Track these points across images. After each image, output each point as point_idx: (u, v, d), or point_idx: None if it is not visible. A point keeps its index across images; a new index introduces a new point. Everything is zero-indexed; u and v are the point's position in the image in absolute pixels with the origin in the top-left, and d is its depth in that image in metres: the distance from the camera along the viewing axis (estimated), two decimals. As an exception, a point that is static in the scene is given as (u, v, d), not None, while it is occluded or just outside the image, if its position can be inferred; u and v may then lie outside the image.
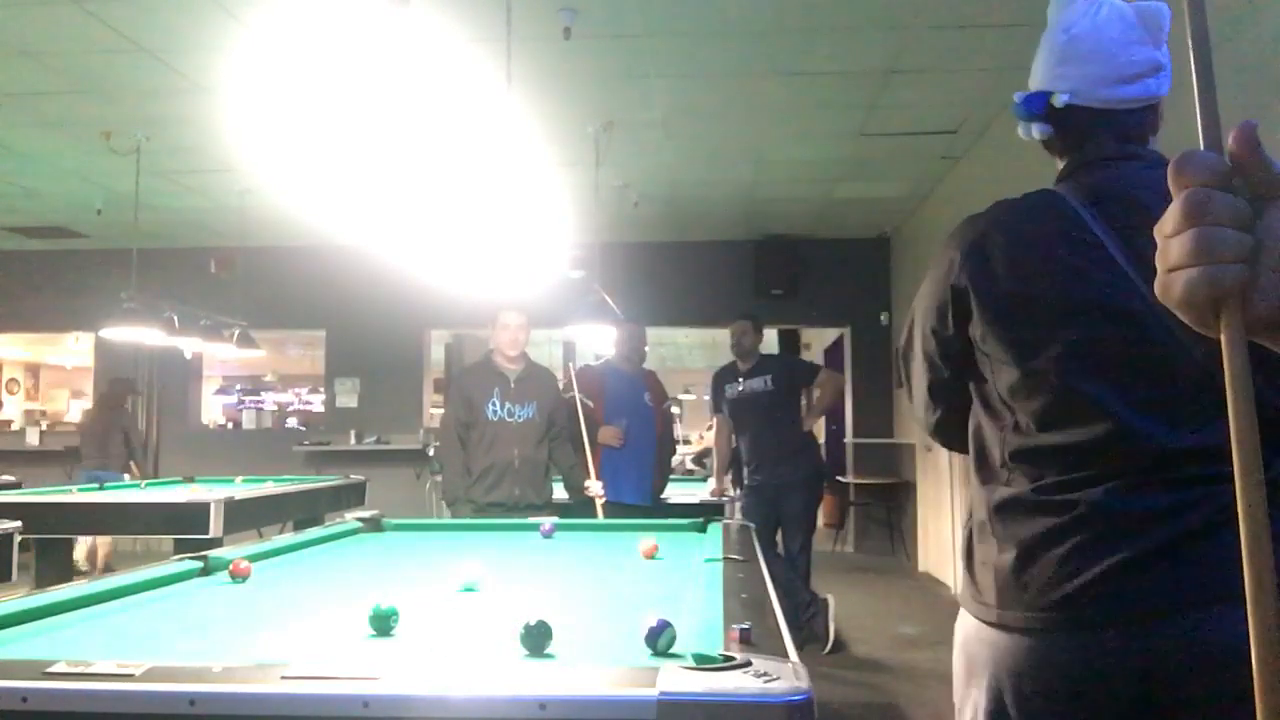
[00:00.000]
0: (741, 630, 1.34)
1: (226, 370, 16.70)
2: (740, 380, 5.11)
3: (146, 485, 5.69)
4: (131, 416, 8.01)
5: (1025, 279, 1.32)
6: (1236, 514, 1.10)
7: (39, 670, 1.14)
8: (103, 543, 7.31)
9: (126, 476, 7.11)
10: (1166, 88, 1.40)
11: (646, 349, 4.92)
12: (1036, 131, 1.46)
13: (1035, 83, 1.46)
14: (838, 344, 9.85)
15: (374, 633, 1.57)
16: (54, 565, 4.40)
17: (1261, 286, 0.61)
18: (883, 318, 8.87)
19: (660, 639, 1.35)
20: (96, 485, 5.41)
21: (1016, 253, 1.34)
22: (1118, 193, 1.32)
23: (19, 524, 3.44)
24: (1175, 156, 0.64)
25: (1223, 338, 0.63)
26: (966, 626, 1.36)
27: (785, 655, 1.27)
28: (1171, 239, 0.64)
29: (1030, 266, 1.32)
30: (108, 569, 6.48)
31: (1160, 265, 0.65)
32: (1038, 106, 1.43)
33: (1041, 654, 1.24)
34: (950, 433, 1.50)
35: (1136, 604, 1.18)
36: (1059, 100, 1.40)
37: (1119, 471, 1.22)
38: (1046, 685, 1.23)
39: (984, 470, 1.37)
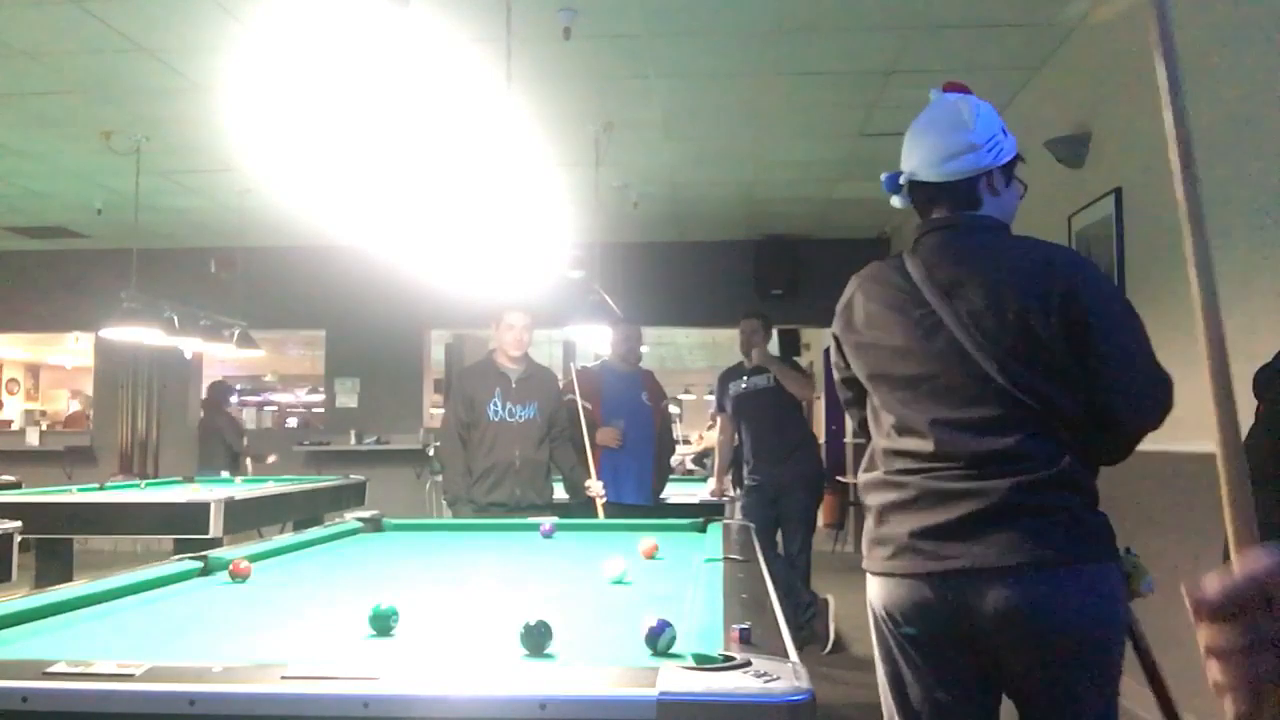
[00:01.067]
0: (741, 630, 1.34)
1: (226, 370, 16.69)
2: (745, 378, 5.12)
3: (146, 485, 5.69)
4: (229, 418, 8.25)
5: (874, 330, 1.77)
6: (1019, 499, 1.57)
7: (39, 670, 1.14)
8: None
9: (224, 474, 7.12)
10: (989, 160, 1.78)
11: (645, 348, 4.92)
12: (898, 202, 1.88)
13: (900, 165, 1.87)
14: (838, 344, 9.84)
15: (374, 633, 1.57)
16: (54, 565, 4.40)
17: None
18: (883, 318, 8.86)
19: (660, 639, 1.35)
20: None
21: (870, 311, 1.79)
22: (944, 258, 1.73)
23: (19, 524, 3.44)
24: (1190, 599, 0.63)
25: None
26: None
27: (785, 655, 1.27)
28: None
29: (878, 323, 1.77)
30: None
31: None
32: (892, 184, 1.86)
33: (890, 592, 1.68)
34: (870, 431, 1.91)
35: (945, 563, 1.59)
36: (902, 179, 1.83)
37: (943, 466, 1.64)
38: (893, 614, 1.68)
39: (870, 460, 1.81)
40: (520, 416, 4.01)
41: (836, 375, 1.94)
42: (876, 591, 1.72)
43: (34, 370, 16.90)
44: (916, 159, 1.81)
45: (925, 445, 1.66)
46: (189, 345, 7.04)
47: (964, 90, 1.87)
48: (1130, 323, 1.65)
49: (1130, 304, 1.70)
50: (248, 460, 8.02)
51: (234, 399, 8.97)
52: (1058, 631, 1.55)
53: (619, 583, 2.13)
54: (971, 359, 1.63)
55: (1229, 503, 0.63)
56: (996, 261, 1.69)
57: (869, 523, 1.75)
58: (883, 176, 1.88)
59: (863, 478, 1.79)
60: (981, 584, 1.56)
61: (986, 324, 1.63)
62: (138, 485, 5.64)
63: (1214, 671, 0.62)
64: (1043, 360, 1.61)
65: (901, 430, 1.71)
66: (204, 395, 8.70)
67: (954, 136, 1.77)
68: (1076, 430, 1.63)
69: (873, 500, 1.74)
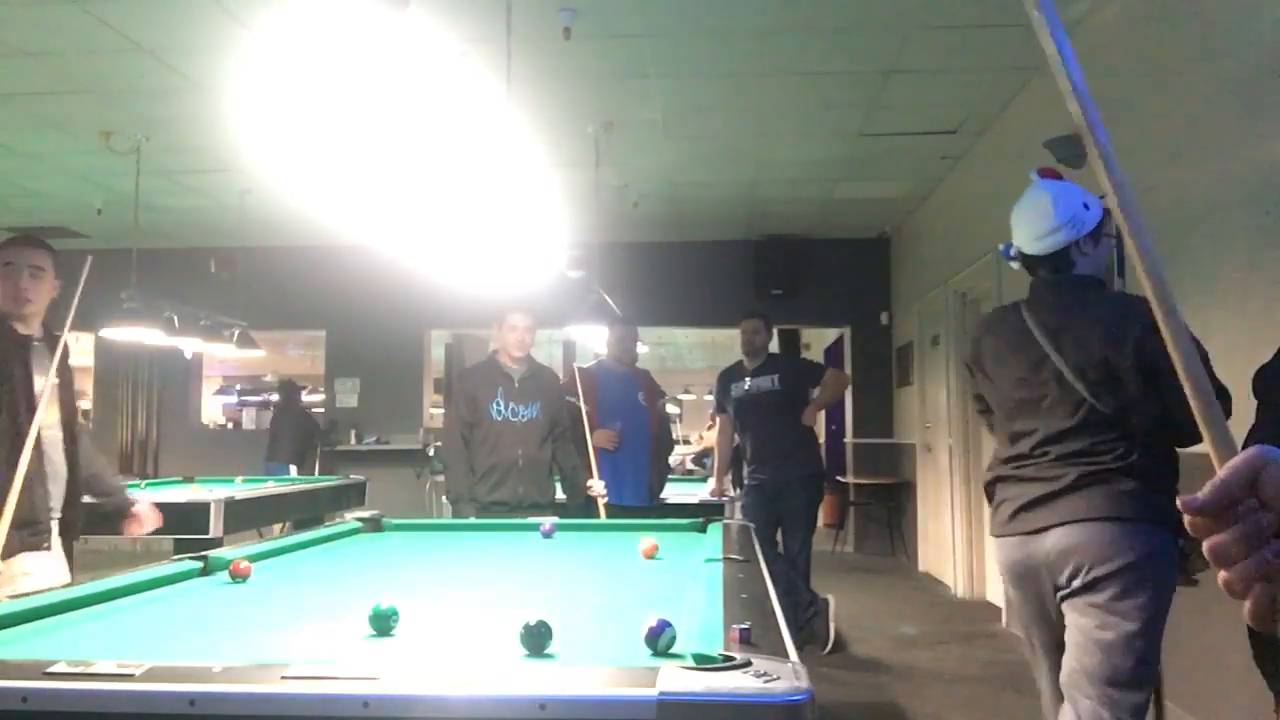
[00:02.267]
0: (741, 630, 1.34)
1: (226, 370, 16.70)
2: (747, 379, 5.09)
3: (146, 485, 5.68)
4: (304, 414, 8.92)
5: (999, 364, 2.45)
6: (1082, 482, 2.26)
7: (39, 670, 1.14)
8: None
9: (293, 469, 7.13)
10: (1073, 235, 2.36)
11: (645, 348, 4.92)
12: (1013, 265, 2.52)
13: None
14: (838, 344, 9.85)
15: (374, 633, 1.57)
16: (54, 565, 4.39)
17: None
18: (882, 318, 8.87)
19: (660, 639, 1.35)
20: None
21: (995, 349, 2.47)
22: (1049, 309, 2.38)
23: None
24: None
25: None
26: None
27: (785, 655, 1.27)
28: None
29: (1003, 357, 2.44)
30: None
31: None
32: (1007, 253, 2.52)
33: (1009, 552, 2.35)
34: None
35: (1031, 524, 2.26)
36: (1013, 251, 2.49)
37: (1039, 460, 2.31)
38: (1012, 568, 2.35)
39: (994, 461, 2.48)
40: (523, 416, 4.02)
41: (971, 391, 2.67)
42: (1000, 551, 2.37)
43: (34, 370, 16.87)
44: (1020, 236, 2.44)
45: (1035, 444, 2.30)
46: (189, 345, 7.04)
47: (1055, 176, 2.47)
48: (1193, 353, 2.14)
49: (1193, 335, 2.03)
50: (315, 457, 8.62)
51: (303, 395, 9.72)
52: (1092, 557, 2.17)
53: (712, 561, 2.14)
54: (1070, 385, 2.27)
55: (1203, 421, 0.66)
56: (1088, 314, 2.32)
57: (997, 501, 2.40)
58: (1000, 246, 2.57)
59: (994, 474, 2.43)
60: (1049, 534, 2.22)
61: (1080, 360, 2.27)
62: (137, 485, 5.64)
63: (1223, 577, 0.63)
64: (1119, 387, 2.23)
65: (1016, 438, 2.37)
66: (276, 395, 9.94)
67: (1041, 224, 2.38)
68: (1151, 434, 2.22)
69: (999, 490, 2.39)
